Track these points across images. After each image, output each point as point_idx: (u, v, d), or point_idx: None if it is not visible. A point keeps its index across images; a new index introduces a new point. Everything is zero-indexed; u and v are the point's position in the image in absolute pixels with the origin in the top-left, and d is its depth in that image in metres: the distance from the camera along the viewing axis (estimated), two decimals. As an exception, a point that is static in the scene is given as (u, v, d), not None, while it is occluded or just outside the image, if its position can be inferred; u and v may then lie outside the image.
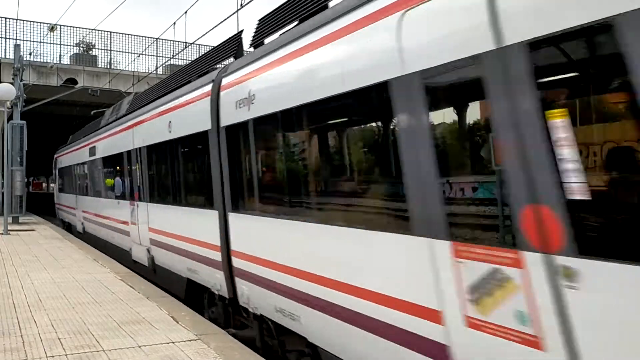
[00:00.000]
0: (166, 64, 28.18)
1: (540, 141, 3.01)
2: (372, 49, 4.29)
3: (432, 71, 3.71)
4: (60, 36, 28.11)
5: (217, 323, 7.60)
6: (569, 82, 3.19)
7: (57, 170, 26.35)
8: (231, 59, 8.07)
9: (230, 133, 6.98)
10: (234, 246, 7.00)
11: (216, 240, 7.41)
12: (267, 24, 6.93)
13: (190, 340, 6.21)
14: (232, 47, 8.26)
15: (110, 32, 29.35)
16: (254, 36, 7.24)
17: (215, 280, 7.64)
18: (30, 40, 27.25)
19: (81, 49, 29.81)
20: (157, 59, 29.52)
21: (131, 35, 29.73)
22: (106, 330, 6.65)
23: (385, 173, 4.56)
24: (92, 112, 24.33)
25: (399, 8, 4.02)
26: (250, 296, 6.64)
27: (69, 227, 22.58)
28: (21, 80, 23.25)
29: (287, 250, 5.73)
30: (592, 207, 2.90)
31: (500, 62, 3.20)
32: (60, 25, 27.71)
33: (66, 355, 5.71)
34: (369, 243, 4.39)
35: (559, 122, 2.96)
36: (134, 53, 28.93)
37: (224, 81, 7.20)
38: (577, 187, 2.90)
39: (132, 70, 27.54)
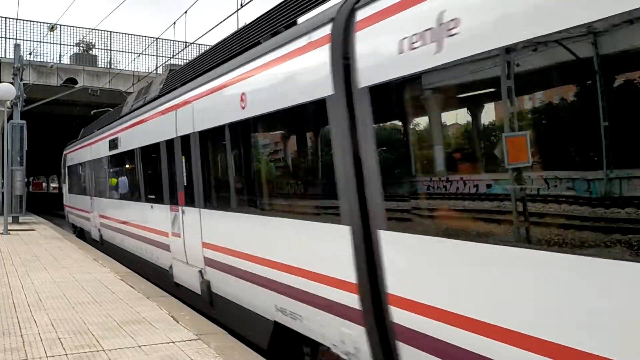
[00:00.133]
0: (166, 63, 28.19)
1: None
2: None
3: None
4: (60, 36, 28.18)
5: None
6: None
7: (66, 169, 23.37)
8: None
9: (387, 95, 4.36)
10: (391, 288, 4.33)
11: (348, 275, 4.76)
12: None
13: (190, 340, 6.21)
14: None
15: (110, 31, 29.48)
16: None
17: (342, 336, 4.96)
18: (30, 40, 27.35)
19: (81, 48, 29.90)
20: (157, 58, 29.59)
21: (131, 35, 29.84)
22: (106, 330, 6.64)
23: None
24: (92, 112, 24.33)
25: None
26: None
27: (80, 233, 20.06)
28: (21, 80, 23.28)
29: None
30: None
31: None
32: (60, 25, 27.79)
33: (66, 355, 5.71)
34: None
35: None
36: (134, 53, 28.98)
37: (364, 12, 4.55)
38: None
39: (132, 70, 27.61)
